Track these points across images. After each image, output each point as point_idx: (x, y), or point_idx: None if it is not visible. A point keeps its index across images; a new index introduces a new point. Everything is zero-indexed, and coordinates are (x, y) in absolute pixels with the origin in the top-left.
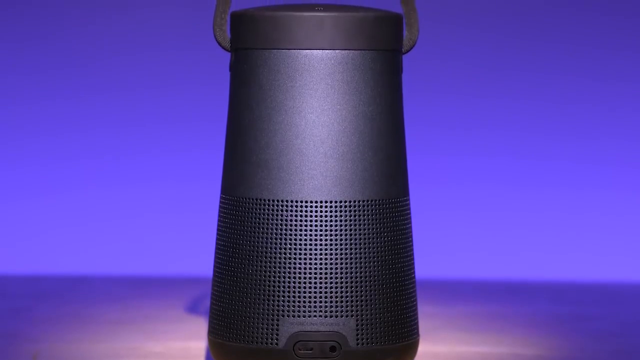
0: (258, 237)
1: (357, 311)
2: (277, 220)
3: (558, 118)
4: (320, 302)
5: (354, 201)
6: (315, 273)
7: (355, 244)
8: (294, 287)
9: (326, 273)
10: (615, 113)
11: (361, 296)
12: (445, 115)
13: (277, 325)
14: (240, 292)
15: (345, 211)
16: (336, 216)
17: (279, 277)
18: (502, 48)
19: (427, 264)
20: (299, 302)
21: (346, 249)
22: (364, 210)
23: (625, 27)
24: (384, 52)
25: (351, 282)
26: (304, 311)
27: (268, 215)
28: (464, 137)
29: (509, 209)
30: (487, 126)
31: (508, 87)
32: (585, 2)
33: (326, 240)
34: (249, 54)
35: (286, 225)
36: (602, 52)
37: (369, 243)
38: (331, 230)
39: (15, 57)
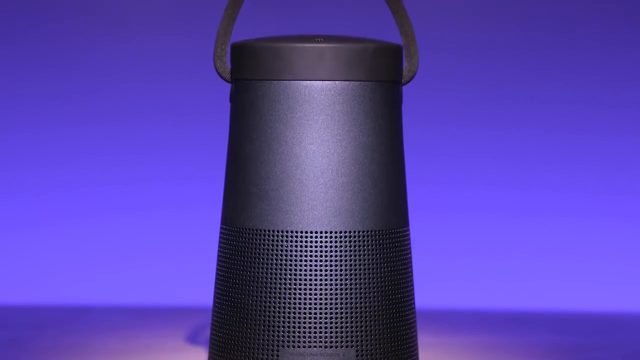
0: (258, 268)
1: (357, 342)
2: (277, 250)
3: (557, 148)
4: (320, 332)
5: (354, 232)
6: (315, 303)
7: (355, 275)
8: (294, 317)
9: (326, 303)
10: (615, 142)
11: (361, 327)
12: (444, 145)
13: (277, 355)
14: (241, 322)
15: (345, 242)
16: (336, 247)
17: (279, 307)
18: (502, 79)
19: (427, 294)
20: (299, 332)
21: (346, 279)
22: (363, 241)
23: (623, 58)
24: (384, 83)
25: (351, 313)
26: (304, 342)
27: (268, 245)
28: (463, 167)
29: (509, 239)
30: (487, 156)
31: (508, 118)
32: (580, 35)
33: (326, 270)
34: (249, 85)
35: (286, 255)
36: (599, 80)
37: (369, 273)
38: (331, 261)
39: (11, 85)
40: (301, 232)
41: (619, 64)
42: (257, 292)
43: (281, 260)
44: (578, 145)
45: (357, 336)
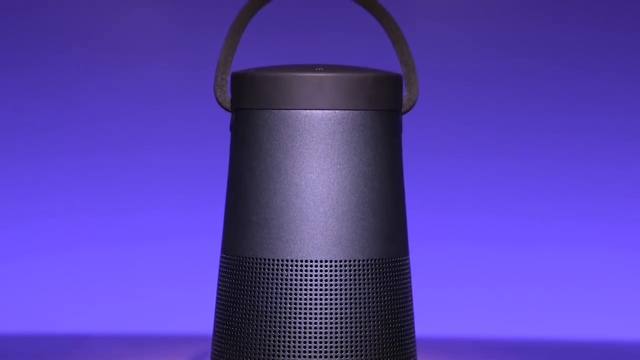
0: (258, 296)
1: None
2: (277, 279)
3: (556, 176)
4: None
5: (354, 260)
6: (315, 332)
7: (355, 304)
8: (294, 346)
9: (326, 332)
10: (617, 172)
11: (361, 355)
12: (444, 174)
13: None
14: (241, 351)
15: (345, 271)
16: (336, 276)
17: (279, 336)
18: (503, 107)
19: (426, 322)
20: None
21: (346, 308)
22: (363, 270)
23: (626, 87)
24: (383, 112)
25: (351, 341)
26: None
27: (268, 274)
28: (463, 195)
29: (509, 267)
30: (488, 185)
31: (508, 146)
32: (583, 63)
33: (326, 299)
34: (250, 114)
35: (286, 284)
36: (600, 109)
37: (369, 302)
38: (331, 290)
39: (11, 114)
40: (301, 260)
41: (622, 93)
42: (257, 320)
43: (281, 288)
44: (580, 174)
45: None
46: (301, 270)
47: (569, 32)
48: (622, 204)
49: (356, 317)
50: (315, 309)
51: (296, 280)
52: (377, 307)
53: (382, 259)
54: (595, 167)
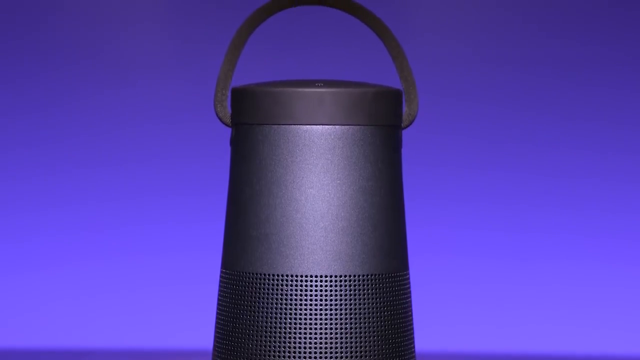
0: (258, 311)
1: None
2: (277, 294)
3: (556, 191)
4: None
5: (354, 276)
6: (316, 347)
7: (355, 319)
8: None
9: (326, 347)
10: (616, 187)
11: None
12: (444, 189)
13: None
14: None
15: (345, 286)
16: (336, 291)
17: (280, 351)
18: (502, 122)
19: (427, 337)
20: None
21: (346, 323)
22: (363, 285)
23: (625, 103)
24: (383, 128)
25: (351, 357)
26: None
27: (268, 289)
28: (463, 210)
29: (509, 282)
30: (487, 199)
31: (508, 161)
32: (580, 79)
33: (326, 314)
34: (250, 129)
35: (286, 299)
36: (597, 125)
37: (369, 317)
38: (331, 305)
39: (11, 129)
40: (301, 276)
41: (623, 107)
42: (257, 335)
43: (281, 304)
44: (580, 189)
45: None
46: (301, 286)
47: (569, 46)
48: (624, 219)
49: (356, 332)
50: (316, 324)
51: (296, 295)
52: (377, 322)
53: (382, 274)
54: (595, 182)
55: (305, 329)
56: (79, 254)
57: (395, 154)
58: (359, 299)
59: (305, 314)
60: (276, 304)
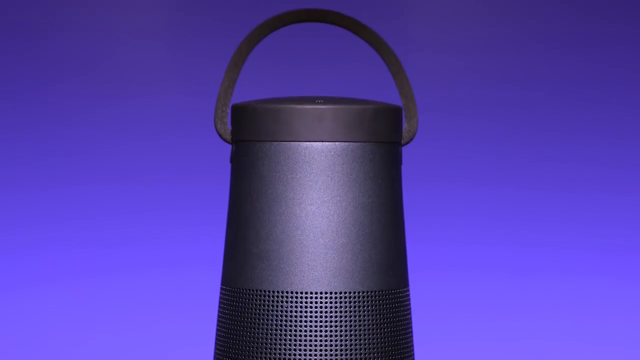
0: (258, 328)
1: None
2: (277, 311)
3: (558, 206)
4: None
5: (354, 292)
6: None
7: (355, 335)
8: None
9: None
10: (619, 202)
11: None
12: (444, 205)
13: None
14: None
15: (345, 302)
16: (336, 307)
17: None
18: (503, 138)
19: (426, 353)
20: None
21: (346, 340)
22: (364, 302)
23: (626, 114)
24: (383, 144)
25: None
26: None
27: (268, 306)
28: (463, 226)
29: (510, 297)
30: (488, 215)
31: (508, 177)
32: (581, 95)
33: (326, 331)
34: (250, 146)
35: (286, 316)
36: (602, 138)
37: (369, 334)
38: (331, 322)
39: (11, 146)
40: (301, 292)
41: (625, 122)
42: (257, 352)
43: (281, 320)
44: (582, 204)
45: None
46: (301, 302)
47: (569, 62)
48: (627, 234)
49: (356, 349)
50: (316, 340)
51: (296, 311)
52: (377, 339)
53: (382, 291)
54: (598, 197)
55: (305, 345)
56: (78, 271)
57: (395, 171)
58: (359, 316)
59: (306, 331)
60: (276, 320)
